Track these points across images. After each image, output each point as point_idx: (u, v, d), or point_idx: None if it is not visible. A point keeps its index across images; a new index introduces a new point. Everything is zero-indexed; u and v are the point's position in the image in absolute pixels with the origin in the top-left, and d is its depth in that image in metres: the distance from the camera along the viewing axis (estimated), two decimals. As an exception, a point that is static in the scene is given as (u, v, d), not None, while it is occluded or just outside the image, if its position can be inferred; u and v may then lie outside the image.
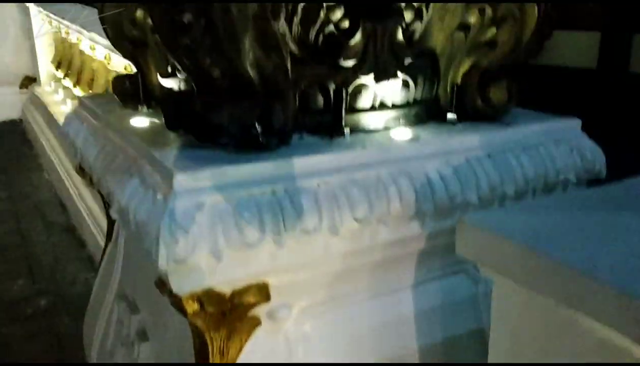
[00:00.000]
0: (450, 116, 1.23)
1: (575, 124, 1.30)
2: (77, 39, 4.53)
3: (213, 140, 1.01)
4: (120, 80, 1.47)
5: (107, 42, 3.74)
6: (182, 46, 0.91)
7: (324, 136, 1.11)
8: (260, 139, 0.98)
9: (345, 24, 1.10)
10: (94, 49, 4.14)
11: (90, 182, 1.44)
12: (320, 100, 1.12)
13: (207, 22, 0.90)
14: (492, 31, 1.20)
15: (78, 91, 4.74)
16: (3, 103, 6.40)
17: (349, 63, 1.11)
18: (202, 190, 0.90)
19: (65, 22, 4.73)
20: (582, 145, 1.28)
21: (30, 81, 6.33)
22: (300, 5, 1.08)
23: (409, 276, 1.21)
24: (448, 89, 1.25)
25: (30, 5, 6.05)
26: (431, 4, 1.21)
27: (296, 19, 1.09)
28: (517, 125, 1.24)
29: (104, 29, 1.45)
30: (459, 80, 1.24)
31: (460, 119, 1.24)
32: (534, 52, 1.24)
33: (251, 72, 0.96)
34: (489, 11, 1.20)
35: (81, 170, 1.49)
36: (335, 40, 1.11)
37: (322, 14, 1.09)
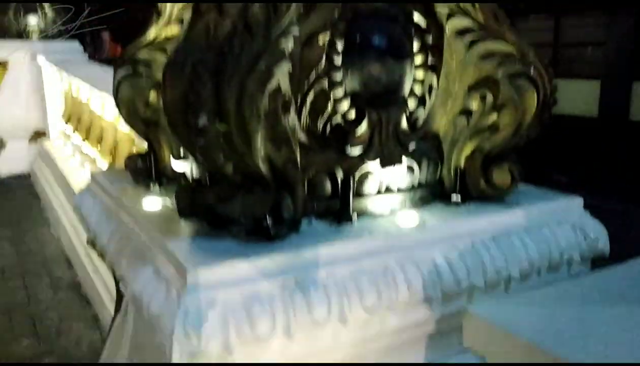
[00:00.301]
0: (455, 197, 1.26)
1: (577, 202, 1.33)
2: (87, 98, 4.64)
3: (225, 229, 1.04)
4: (132, 159, 1.51)
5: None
6: (197, 146, 0.95)
7: (332, 222, 1.14)
8: (271, 230, 1.01)
9: (352, 114, 1.15)
10: (104, 108, 4.23)
11: (101, 256, 1.46)
12: (328, 186, 1.16)
13: (222, 124, 0.94)
14: (494, 116, 1.25)
15: (87, 147, 4.83)
16: (13, 157, 6.49)
17: (356, 151, 1.14)
18: (214, 286, 0.92)
19: (76, 80, 4.86)
20: (585, 224, 1.30)
21: (39, 135, 6.44)
22: (309, 98, 1.13)
23: (417, 359, 1.21)
24: (452, 172, 1.28)
25: (43, 62, 6.22)
26: (433, 91, 1.26)
27: (305, 111, 1.14)
28: (520, 206, 1.27)
29: (118, 109, 1.50)
30: (462, 163, 1.28)
31: (465, 200, 1.27)
32: (535, 135, 1.28)
33: (262, 166, 1.00)
34: (489, 97, 1.24)
35: (93, 244, 1.52)
36: (342, 129, 1.15)
37: (329, 106, 1.14)
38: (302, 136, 1.15)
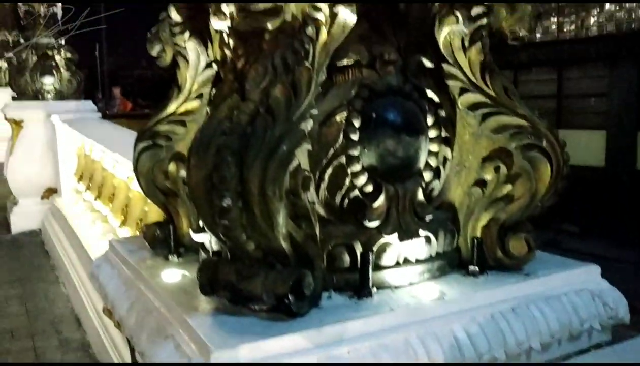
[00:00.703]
0: (472, 268, 1.27)
1: (595, 270, 1.33)
2: (100, 157, 4.72)
3: (246, 306, 1.05)
4: (151, 228, 1.53)
5: (129, 163, 3.88)
6: (220, 226, 0.97)
7: (351, 295, 1.15)
8: (293, 307, 1.02)
9: (369, 187, 1.17)
10: (116, 167, 4.30)
11: (118, 326, 1.47)
12: (347, 259, 1.17)
13: (245, 204, 0.97)
14: (508, 187, 1.27)
15: (99, 205, 4.87)
16: (24, 213, 6.55)
17: (374, 224, 1.16)
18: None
19: (89, 139, 4.96)
20: (604, 292, 1.30)
21: (51, 192, 6.52)
22: (328, 173, 1.16)
23: None
24: (468, 241, 1.29)
25: (57, 121, 6.36)
26: (448, 162, 1.29)
27: (323, 185, 1.17)
28: (538, 275, 1.27)
29: (137, 180, 1.54)
30: (478, 233, 1.29)
31: (482, 270, 1.27)
32: (550, 204, 1.29)
33: (284, 243, 1.02)
34: (503, 169, 1.27)
35: (109, 314, 1.53)
36: (360, 203, 1.17)
37: (347, 180, 1.17)
38: (320, 210, 1.17)
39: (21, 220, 6.55)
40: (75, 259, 4.78)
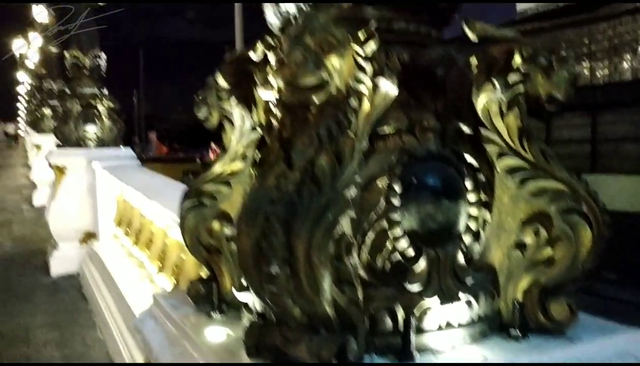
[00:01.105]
0: (514, 331, 1.27)
1: (639, 336, 1.31)
2: (139, 204, 4.85)
3: (291, 370, 1.07)
4: (194, 284, 1.58)
5: (169, 212, 3.98)
6: (268, 292, 1.01)
7: (393, 359, 1.16)
8: (336, 372, 1.03)
9: (410, 251, 1.19)
10: (154, 214, 4.41)
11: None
12: (389, 322, 1.19)
13: (291, 271, 1.00)
14: (548, 251, 1.27)
15: (136, 250, 4.97)
16: (64, 257, 6.73)
17: (415, 287, 1.18)
18: None
19: (129, 187, 5.11)
20: (650, 358, 1.27)
21: (90, 236, 6.70)
22: (369, 238, 1.19)
23: None
24: (509, 305, 1.30)
25: (97, 167, 6.59)
26: (487, 225, 1.31)
27: (365, 249, 1.20)
28: (581, 340, 1.26)
29: (183, 237, 1.60)
30: (519, 295, 1.29)
31: (524, 333, 1.27)
32: (592, 267, 1.29)
33: (328, 309, 1.04)
34: (543, 232, 1.28)
35: (152, 367, 1.56)
36: (401, 267, 1.19)
37: (388, 244, 1.20)
38: (361, 273, 1.19)
39: (61, 264, 6.72)
40: (112, 305, 4.87)
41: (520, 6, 18.18)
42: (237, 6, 16.00)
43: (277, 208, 1.02)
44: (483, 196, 1.30)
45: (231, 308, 1.50)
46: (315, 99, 1.11)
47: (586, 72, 13.92)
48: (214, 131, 1.59)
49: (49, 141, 11.83)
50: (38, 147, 13.77)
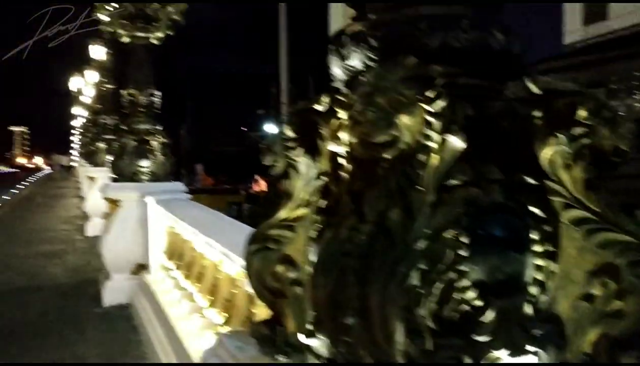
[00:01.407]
0: (583, 386, 1.26)
1: None
2: (190, 238, 4.98)
3: (361, 419, 1.10)
4: (257, 326, 1.63)
5: (220, 246, 4.07)
6: (342, 341, 1.05)
7: (462, 410, 1.17)
8: (408, 423, 1.05)
9: (478, 302, 1.21)
10: (206, 249, 4.52)
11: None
12: (457, 373, 1.20)
13: (365, 322, 1.04)
14: (617, 303, 1.27)
15: (187, 283, 5.08)
16: (116, 288, 6.93)
17: (483, 338, 1.19)
18: None
19: (181, 221, 5.25)
20: None
21: (141, 268, 6.88)
22: (437, 288, 1.21)
23: None
24: (577, 357, 1.29)
25: (149, 200, 6.81)
26: (554, 276, 1.31)
27: (433, 299, 1.22)
28: (654, 396, 1.24)
29: (249, 279, 1.66)
30: (587, 348, 1.28)
31: (593, 388, 1.26)
32: (662, 321, 1.27)
33: (401, 359, 1.07)
34: (611, 284, 1.27)
35: (216, 407, 1.60)
36: (469, 317, 1.21)
37: (455, 295, 1.22)
38: (430, 323, 1.22)
39: (112, 294, 6.92)
40: (162, 336, 4.97)
41: (568, 38, 17.98)
42: (283, 40, 16.46)
43: (351, 261, 1.07)
44: (549, 247, 1.31)
45: (295, 351, 1.53)
46: (386, 154, 1.16)
47: (638, 105, 13.58)
48: (279, 175, 1.66)
49: (103, 173, 12.31)
50: (92, 179, 14.32)
